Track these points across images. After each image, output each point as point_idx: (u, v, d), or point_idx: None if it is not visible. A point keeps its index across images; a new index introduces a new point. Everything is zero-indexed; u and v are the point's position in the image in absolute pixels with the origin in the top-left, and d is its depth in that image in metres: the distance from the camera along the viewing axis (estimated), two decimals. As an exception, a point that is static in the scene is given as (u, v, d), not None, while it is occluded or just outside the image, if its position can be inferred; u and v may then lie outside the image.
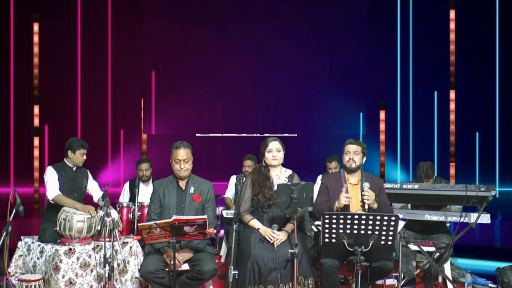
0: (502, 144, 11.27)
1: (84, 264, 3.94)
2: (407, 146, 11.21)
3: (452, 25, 9.50)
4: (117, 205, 5.24)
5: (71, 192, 4.31)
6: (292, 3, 11.01)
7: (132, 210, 5.21)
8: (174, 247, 3.39)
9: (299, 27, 11.00)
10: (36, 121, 9.07)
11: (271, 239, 3.68)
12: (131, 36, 10.91)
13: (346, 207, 3.78)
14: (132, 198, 5.69)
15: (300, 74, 11.00)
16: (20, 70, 10.66)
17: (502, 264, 4.52)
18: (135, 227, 5.11)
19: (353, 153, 3.93)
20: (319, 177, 5.71)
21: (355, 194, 3.88)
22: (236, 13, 10.99)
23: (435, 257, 4.38)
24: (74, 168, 4.39)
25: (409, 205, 4.77)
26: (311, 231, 4.00)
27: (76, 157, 4.32)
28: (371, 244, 3.16)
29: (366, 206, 3.76)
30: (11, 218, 3.66)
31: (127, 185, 5.99)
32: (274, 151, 3.87)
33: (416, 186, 4.36)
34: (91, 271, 3.96)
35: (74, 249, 3.92)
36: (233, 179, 6.04)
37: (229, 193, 5.99)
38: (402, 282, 4.33)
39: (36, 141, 9.04)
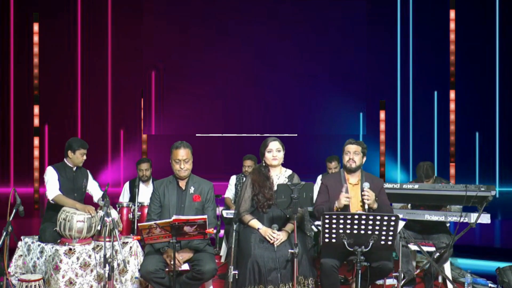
0: (502, 144, 11.27)
1: (84, 264, 3.94)
2: (407, 146, 11.21)
3: (452, 25, 9.50)
4: (117, 205, 5.24)
5: (71, 192, 4.31)
6: (292, 3, 11.01)
7: (132, 210, 5.21)
8: (174, 247, 3.39)
9: (299, 27, 11.00)
10: (36, 121, 9.07)
11: (271, 239, 3.68)
12: (131, 36, 10.91)
13: (346, 207, 3.78)
14: (132, 198, 5.70)
15: (300, 74, 11.00)
16: (20, 70, 10.66)
17: (502, 264, 4.52)
18: (135, 227, 5.11)
19: (353, 153, 3.93)
20: (319, 177, 5.71)
21: (355, 194, 3.88)
22: (236, 13, 10.99)
23: (435, 257, 4.38)
24: (74, 168, 4.39)
25: (409, 205, 4.77)
26: (311, 231, 4.00)
27: (76, 157, 4.32)
28: (371, 244, 3.15)
29: (366, 206, 3.76)
30: (11, 218, 3.66)
31: (127, 185, 5.99)
32: (274, 151, 3.87)
33: (416, 186, 4.36)
34: (91, 271, 3.96)
35: (74, 249, 3.92)
36: (233, 179, 6.04)
37: (229, 193, 5.99)
38: (402, 282, 4.33)
39: (36, 141, 9.04)
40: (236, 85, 10.98)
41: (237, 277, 3.58)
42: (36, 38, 9.20)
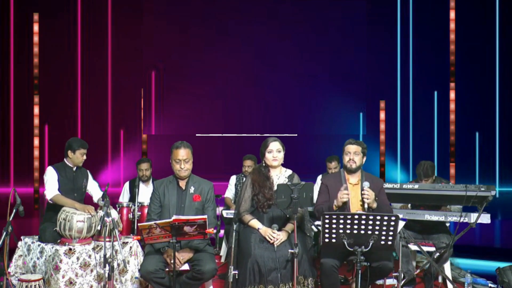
0: (502, 144, 11.26)
1: (84, 264, 3.94)
2: (407, 146, 11.20)
3: (452, 25, 9.51)
4: (117, 205, 5.24)
5: (71, 192, 4.31)
6: (292, 3, 11.01)
7: (132, 210, 5.21)
8: (174, 247, 3.39)
9: (299, 27, 11.00)
10: (36, 121, 9.07)
11: (271, 239, 3.68)
12: (131, 36, 10.90)
13: (346, 206, 3.79)
14: (132, 198, 5.70)
15: (300, 74, 11.00)
16: (20, 70, 10.65)
17: (502, 264, 4.52)
18: (135, 227, 5.11)
19: (353, 154, 3.93)
20: (319, 177, 5.71)
21: (355, 194, 3.89)
22: (236, 13, 10.99)
23: (435, 257, 4.38)
24: (74, 168, 4.39)
25: (409, 205, 4.77)
26: (311, 231, 4.00)
27: (76, 157, 4.32)
28: (371, 244, 3.16)
29: (366, 206, 3.76)
30: (11, 218, 3.66)
31: (127, 185, 5.99)
32: (275, 152, 3.87)
33: (416, 186, 4.36)
34: (91, 271, 3.96)
35: (74, 249, 3.92)
36: (233, 179, 6.04)
37: (229, 193, 5.99)
38: (402, 282, 4.33)
39: (36, 141, 9.05)
40: (236, 85, 10.98)
41: (237, 277, 3.58)
42: (36, 38, 9.20)
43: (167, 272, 3.60)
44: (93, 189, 4.52)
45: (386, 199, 3.96)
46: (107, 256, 3.50)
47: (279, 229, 3.76)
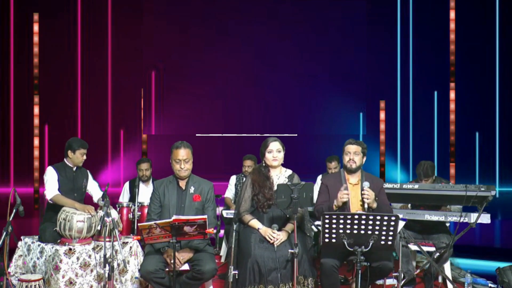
0: (502, 144, 11.26)
1: (84, 264, 3.94)
2: (407, 146, 11.20)
3: (452, 25, 9.50)
4: (117, 205, 5.24)
5: (71, 192, 4.31)
6: (292, 3, 11.01)
7: (132, 210, 5.21)
8: (174, 247, 3.40)
9: (299, 27, 11.00)
10: (36, 121, 9.07)
11: (271, 239, 3.68)
12: (131, 36, 10.90)
13: (346, 206, 3.79)
14: (132, 198, 5.70)
15: (300, 74, 11.00)
16: (20, 70, 10.65)
17: (502, 264, 4.52)
18: (135, 227, 5.11)
19: (353, 154, 3.93)
20: (319, 177, 5.71)
21: (355, 194, 3.89)
22: (236, 13, 10.99)
23: (435, 257, 4.38)
24: (74, 168, 4.39)
25: (409, 205, 4.77)
26: (311, 231, 4.00)
27: (76, 157, 4.32)
28: (371, 244, 3.16)
29: (366, 206, 3.76)
30: (11, 218, 3.66)
31: (127, 185, 5.99)
32: (275, 152, 3.87)
33: (416, 186, 4.36)
34: (91, 271, 3.96)
35: (74, 249, 3.92)
36: (233, 179, 6.04)
37: (229, 193, 5.99)
38: (402, 282, 4.33)
39: (36, 141, 9.05)
40: (236, 85, 10.98)
41: (237, 277, 3.58)
42: (36, 38, 9.20)
43: (167, 272, 3.60)
44: (93, 189, 4.52)
45: (386, 199, 3.96)
46: (107, 256, 3.50)
47: (279, 229, 3.76)
